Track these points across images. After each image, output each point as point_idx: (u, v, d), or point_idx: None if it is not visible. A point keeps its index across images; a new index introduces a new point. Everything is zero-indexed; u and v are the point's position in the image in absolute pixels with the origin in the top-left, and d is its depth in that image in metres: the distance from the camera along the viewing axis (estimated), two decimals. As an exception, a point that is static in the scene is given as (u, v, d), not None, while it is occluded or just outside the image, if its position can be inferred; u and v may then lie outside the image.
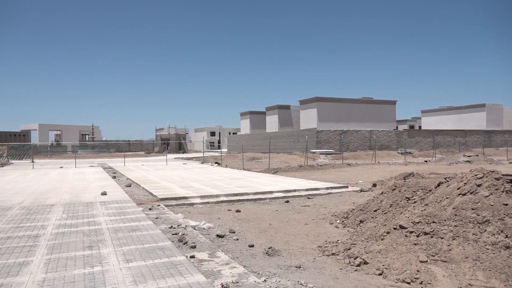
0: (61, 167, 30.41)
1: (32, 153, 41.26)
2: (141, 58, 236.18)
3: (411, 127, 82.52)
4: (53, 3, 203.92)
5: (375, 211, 8.21)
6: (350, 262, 5.87)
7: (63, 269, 5.30)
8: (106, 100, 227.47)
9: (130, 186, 16.12)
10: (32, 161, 34.49)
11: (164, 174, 21.75)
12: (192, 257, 6.00)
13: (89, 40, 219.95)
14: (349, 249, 6.34)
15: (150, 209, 10.53)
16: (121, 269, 5.28)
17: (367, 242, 6.43)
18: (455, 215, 5.91)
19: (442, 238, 5.66)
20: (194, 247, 6.62)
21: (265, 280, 5.12)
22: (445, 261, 5.30)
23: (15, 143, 58.34)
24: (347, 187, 15.25)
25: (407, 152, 42.63)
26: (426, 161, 33.77)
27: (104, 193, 13.18)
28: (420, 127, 74.70)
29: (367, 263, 5.70)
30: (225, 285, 4.78)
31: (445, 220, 5.92)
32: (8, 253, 6.12)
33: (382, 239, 6.27)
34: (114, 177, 20.56)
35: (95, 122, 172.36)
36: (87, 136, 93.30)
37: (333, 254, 6.39)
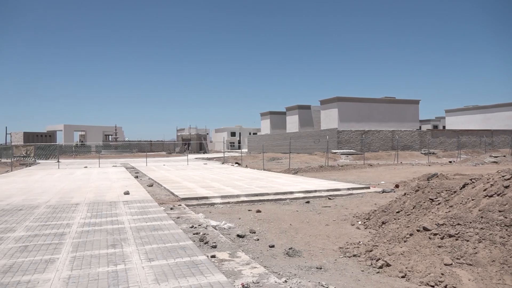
0: (85, 167, 31.09)
1: (57, 153, 42.36)
2: (163, 59, 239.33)
3: (435, 127, 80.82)
4: (67, 2, 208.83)
5: (398, 212, 8.07)
6: (372, 264, 5.79)
7: (88, 267, 5.42)
8: (128, 101, 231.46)
9: (152, 185, 16.35)
10: (58, 161, 35.42)
11: (185, 174, 21.96)
12: (213, 256, 6.04)
13: (109, 41, 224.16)
14: (371, 251, 6.26)
15: (171, 208, 10.66)
16: (144, 268, 5.35)
17: (390, 244, 6.33)
18: (481, 217, 5.75)
19: (467, 240, 5.52)
20: (215, 246, 6.66)
21: (285, 281, 5.11)
22: (470, 265, 5.16)
23: (42, 143, 59.99)
24: (368, 188, 15.05)
25: (430, 153, 41.80)
26: (450, 162, 33.01)
27: (127, 193, 13.41)
28: (444, 127, 73.10)
29: (390, 265, 5.61)
30: (246, 285, 4.79)
31: (470, 223, 5.77)
32: (35, 250, 6.30)
33: (405, 241, 6.16)
34: (136, 177, 20.88)
35: (118, 123, 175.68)
36: (110, 136, 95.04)
37: (354, 255, 6.31)
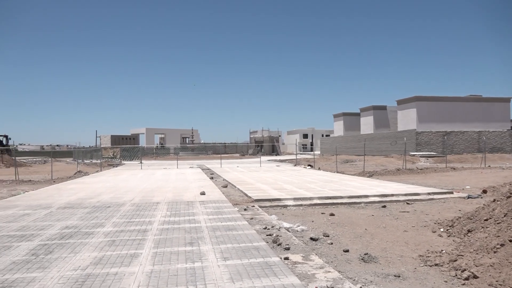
0: (165, 168, 32.85)
1: (140, 155, 45.42)
2: (238, 62, 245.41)
3: (529, 127, 73.14)
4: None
5: (486, 220, 7.42)
6: (456, 275, 5.39)
7: (168, 263, 5.71)
8: (204, 104, 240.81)
9: (226, 186, 16.81)
10: (141, 162, 37.88)
11: (258, 176, 22.26)
12: (286, 258, 6.04)
13: (186, 46, 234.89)
14: (455, 261, 5.83)
15: (245, 209, 10.86)
16: (219, 266, 5.51)
17: (477, 254, 5.84)
18: None
19: None
20: (288, 248, 6.65)
21: (361, 287, 4.94)
22: None
23: (127, 145, 64.67)
24: (452, 193, 14.05)
25: (524, 155, 37.90)
26: (548, 166, 29.66)
27: (203, 193, 13.93)
28: (540, 126, 65.89)
29: (477, 277, 5.18)
30: (320, 290, 4.71)
31: None
32: (121, 245, 6.80)
33: (494, 252, 5.65)
34: (211, 178, 21.62)
35: (195, 126, 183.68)
36: (187, 139, 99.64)
37: (436, 264, 5.92)
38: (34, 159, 51.70)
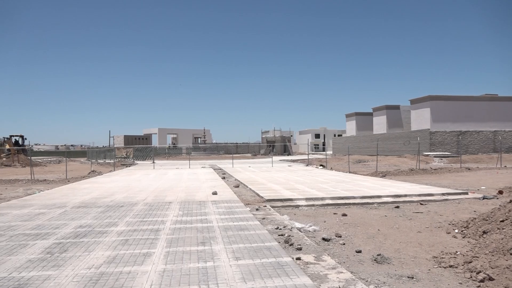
0: (177, 168, 33.02)
1: (153, 155, 45.78)
2: (249, 62, 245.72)
3: (547, 126, 71.66)
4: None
5: (502, 221, 7.29)
6: (471, 277, 5.30)
7: (180, 262, 5.74)
8: (216, 104, 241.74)
9: (238, 186, 16.83)
10: (153, 162, 38.17)
11: (270, 176, 22.24)
12: (298, 259, 6.02)
13: (198, 46, 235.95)
14: (470, 262, 5.74)
15: (257, 209, 10.86)
16: (231, 266, 5.52)
17: (492, 255, 5.74)
18: None
19: None
20: (300, 249, 6.64)
21: (374, 289, 4.90)
22: None
23: (139, 145, 65.23)
24: (466, 193, 13.85)
25: (541, 155, 37.13)
26: None
27: (214, 193, 13.97)
28: (558, 126, 64.49)
29: (493, 279, 5.09)
30: (332, 290, 4.69)
31: None
32: (134, 244, 6.86)
33: (511, 254, 5.55)
34: (223, 178, 21.67)
35: (206, 126, 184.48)
36: (199, 139, 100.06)
37: (450, 266, 5.84)
38: (49, 159, 52.51)
